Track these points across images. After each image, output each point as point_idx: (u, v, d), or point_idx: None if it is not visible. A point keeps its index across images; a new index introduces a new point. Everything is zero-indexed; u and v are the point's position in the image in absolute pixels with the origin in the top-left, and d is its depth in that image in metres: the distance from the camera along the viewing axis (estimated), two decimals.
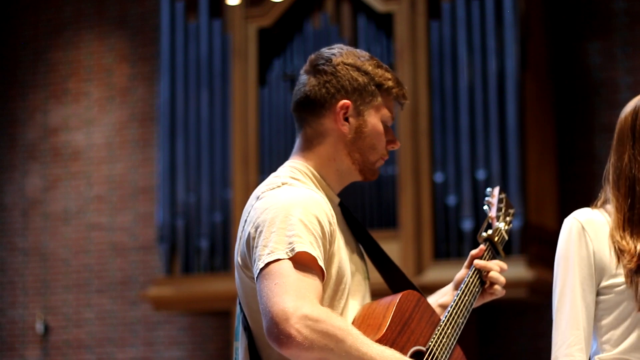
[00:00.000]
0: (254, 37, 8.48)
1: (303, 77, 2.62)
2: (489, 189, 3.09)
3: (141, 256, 9.33)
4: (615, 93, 8.18)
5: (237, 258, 2.51)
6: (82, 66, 9.71)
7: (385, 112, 2.60)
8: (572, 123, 8.30)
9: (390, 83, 2.60)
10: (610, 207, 2.78)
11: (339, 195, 2.67)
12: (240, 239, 2.51)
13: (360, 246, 2.69)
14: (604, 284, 2.72)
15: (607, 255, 2.72)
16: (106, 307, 9.38)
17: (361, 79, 2.58)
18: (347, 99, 2.57)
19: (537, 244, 7.77)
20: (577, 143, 8.30)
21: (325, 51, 2.64)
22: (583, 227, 2.74)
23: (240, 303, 2.55)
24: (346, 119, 2.57)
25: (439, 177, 7.89)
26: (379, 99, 2.59)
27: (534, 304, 8.07)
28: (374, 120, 2.59)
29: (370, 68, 2.60)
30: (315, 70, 2.60)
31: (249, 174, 8.27)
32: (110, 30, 9.65)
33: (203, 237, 8.46)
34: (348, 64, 2.59)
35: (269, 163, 8.13)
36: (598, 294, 2.73)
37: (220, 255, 8.40)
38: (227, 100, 8.54)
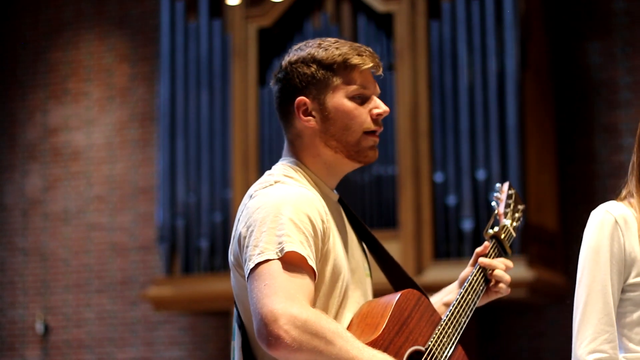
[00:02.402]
0: (254, 37, 8.48)
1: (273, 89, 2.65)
2: (498, 185, 3.03)
3: (141, 256, 9.33)
4: (615, 93, 8.18)
5: (231, 257, 2.51)
6: (82, 66, 9.71)
7: (348, 88, 2.55)
8: (572, 123, 8.30)
9: (341, 57, 2.55)
10: (634, 201, 2.74)
11: (339, 193, 2.66)
12: (233, 238, 2.51)
13: (363, 243, 2.68)
14: (631, 280, 2.68)
15: (637, 252, 2.68)
16: (106, 307, 9.38)
17: (308, 70, 2.55)
18: (302, 96, 2.55)
19: (537, 244, 7.77)
20: (577, 143, 8.29)
21: (283, 57, 2.64)
22: (616, 222, 2.68)
23: (235, 302, 2.56)
24: (310, 114, 2.55)
25: (439, 177, 7.89)
26: (335, 79, 2.54)
27: (534, 304, 8.06)
28: (336, 102, 2.54)
29: (317, 54, 2.55)
30: (275, 80, 2.62)
31: (249, 174, 8.27)
32: (110, 30, 9.65)
33: (203, 237, 8.45)
34: (293, 62, 2.57)
35: (269, 163, 8.11)
36: (624, 290, 2.69)
37: (220, 255, 8.40)
38: (227, 100, 8.54)
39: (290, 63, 2.58)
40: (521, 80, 7.80)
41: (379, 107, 2.57)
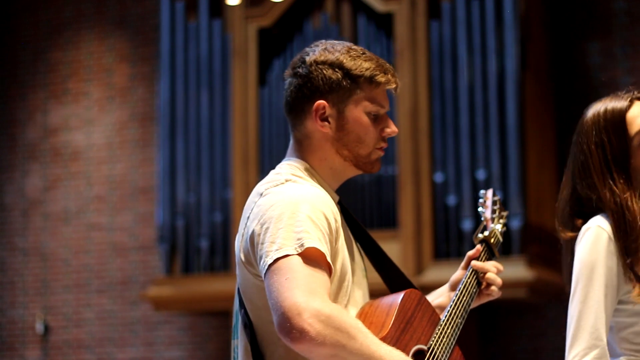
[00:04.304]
0: (254, 37, 8.48)
1: (286, 81, 2.62)
2: (482, 192, 3.12)
3: (141, 256, 9.33)
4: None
5: (240, 255, 2.50)
6: (82, 66, 9.71)
7: (367, 103, 2.56)
8: (572, 123, 8.28)
9: (369, 72, 2.56)
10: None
11: (338, 193, 2.67)
12: (242, 235, 2.49)
13: (358, 244, 2.68)
14: (631, 292, 2.71)
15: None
16: (106, 307, 9.38)
17: (334, 75, 2.54)
18: (322, 99, 2.54)
19: (537, 244, 7.77)
20: None
21: (305, 51, 2.62)
22: (610, 238, 2.73)
23: (239, 300, 2.54)
24: (326, 119, 2.55)
25: (439, 177, 7.89)
26: (358, 91, 2.55)
27: (534, 304, 8.07)
28: (355, 114, 2.55)
29: (345, 62, 2.56)
30: (293, 73, 2.60)
31: (249, 174, 8.27)
32: (110, 30, 9.65)
33: (203, 237, 8.45)
34: (320, 62, 2.56)
35: (269, 163, 8.13)
36: (621, 302, 2.73)
37: (220, 255, 8.40)
38: (227, 100, 8.54)
39: (317, 62, 2.57)
40: (521, 80, 7.80)
41: (390, 127, 2.60)
